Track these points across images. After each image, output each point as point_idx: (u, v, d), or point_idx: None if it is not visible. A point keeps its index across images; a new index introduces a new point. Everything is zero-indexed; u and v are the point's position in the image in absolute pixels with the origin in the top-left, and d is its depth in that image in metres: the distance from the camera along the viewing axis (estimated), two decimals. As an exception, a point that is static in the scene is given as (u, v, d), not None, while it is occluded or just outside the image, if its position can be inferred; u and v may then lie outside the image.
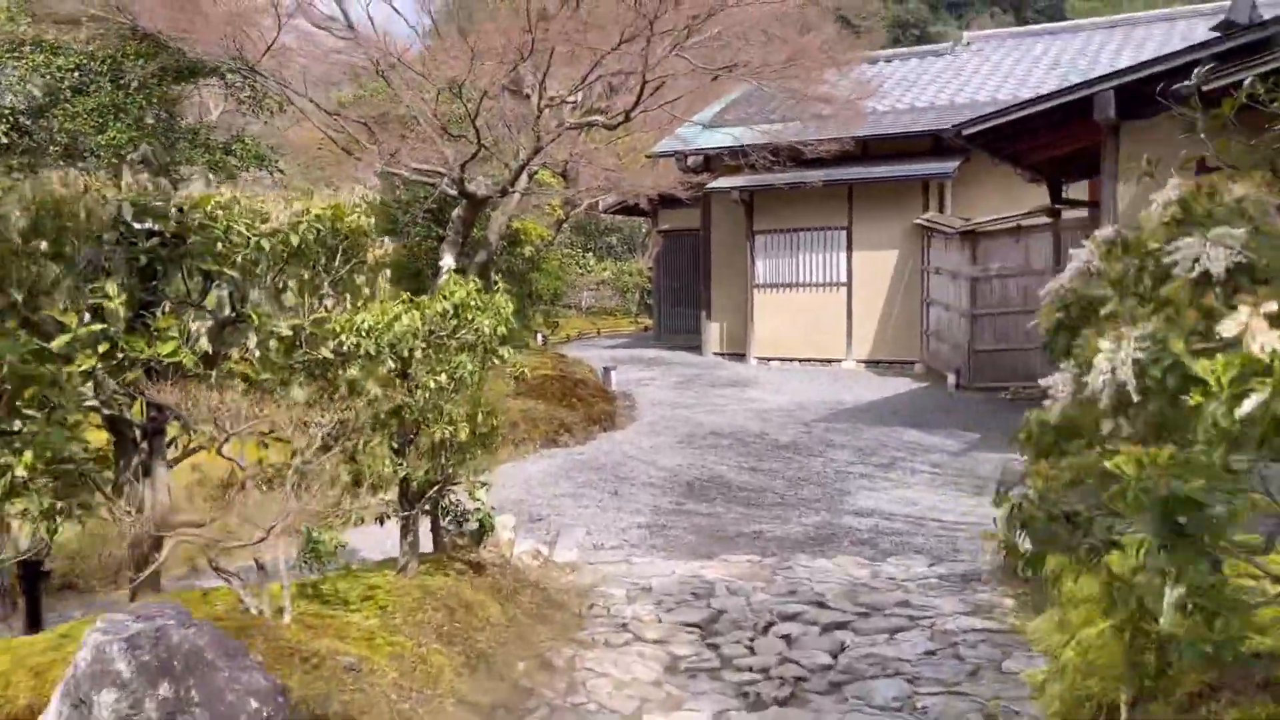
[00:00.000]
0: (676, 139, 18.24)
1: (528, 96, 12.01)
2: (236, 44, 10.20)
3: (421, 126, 11.35)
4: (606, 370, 14.21)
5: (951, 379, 14.05)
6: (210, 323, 4.92)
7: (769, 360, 17.34)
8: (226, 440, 4.52)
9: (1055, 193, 12.28)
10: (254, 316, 4.99)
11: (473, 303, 5.26)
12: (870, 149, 16.25)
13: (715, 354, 18.51)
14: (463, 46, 10.24)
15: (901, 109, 16.93)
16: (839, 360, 16.81)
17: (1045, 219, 13.17)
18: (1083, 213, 12.73)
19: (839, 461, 9.29)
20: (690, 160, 17.61)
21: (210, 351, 4.89)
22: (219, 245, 4.86)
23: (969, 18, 45.68)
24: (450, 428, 5.00)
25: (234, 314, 5.02)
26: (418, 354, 5.01)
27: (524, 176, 12.19)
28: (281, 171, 15.79)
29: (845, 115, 17.08)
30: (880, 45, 23.11)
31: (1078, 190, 14.34)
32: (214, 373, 4.94)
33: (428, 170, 11.38)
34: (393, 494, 5.17)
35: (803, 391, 13.96)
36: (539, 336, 22.44)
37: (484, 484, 5.66)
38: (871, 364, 16.57)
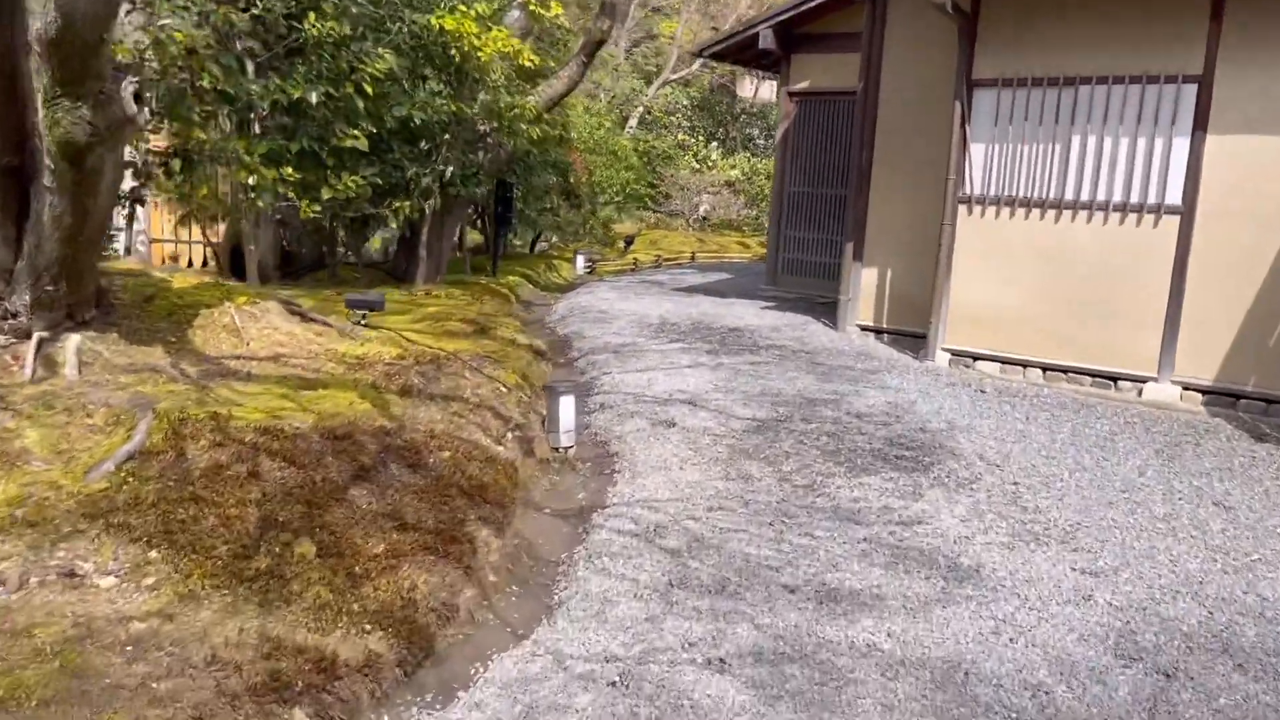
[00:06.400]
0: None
1: None
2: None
3: None
4: (554, 393, 5.41)
5: None
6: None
7: (974, 359, 8.18)
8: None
9: None
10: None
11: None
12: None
13: (864, 328, 9.42)
14: None
15: None
16: (1143, 380, 7.48)
17: None
18: None
19: None
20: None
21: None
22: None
23: None
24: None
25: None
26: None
27: None
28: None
29: None
30: None
31: None
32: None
33: None
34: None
35: (1109, 536, 4.85)
36: (579, 260, 13.72)
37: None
38: (1224, 398, 7.18)
